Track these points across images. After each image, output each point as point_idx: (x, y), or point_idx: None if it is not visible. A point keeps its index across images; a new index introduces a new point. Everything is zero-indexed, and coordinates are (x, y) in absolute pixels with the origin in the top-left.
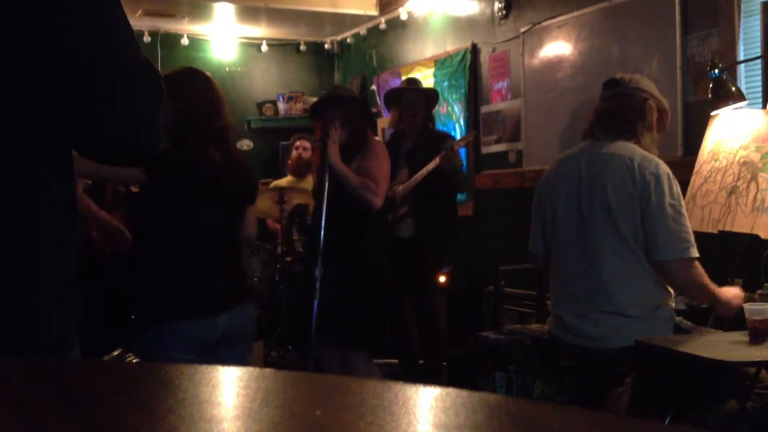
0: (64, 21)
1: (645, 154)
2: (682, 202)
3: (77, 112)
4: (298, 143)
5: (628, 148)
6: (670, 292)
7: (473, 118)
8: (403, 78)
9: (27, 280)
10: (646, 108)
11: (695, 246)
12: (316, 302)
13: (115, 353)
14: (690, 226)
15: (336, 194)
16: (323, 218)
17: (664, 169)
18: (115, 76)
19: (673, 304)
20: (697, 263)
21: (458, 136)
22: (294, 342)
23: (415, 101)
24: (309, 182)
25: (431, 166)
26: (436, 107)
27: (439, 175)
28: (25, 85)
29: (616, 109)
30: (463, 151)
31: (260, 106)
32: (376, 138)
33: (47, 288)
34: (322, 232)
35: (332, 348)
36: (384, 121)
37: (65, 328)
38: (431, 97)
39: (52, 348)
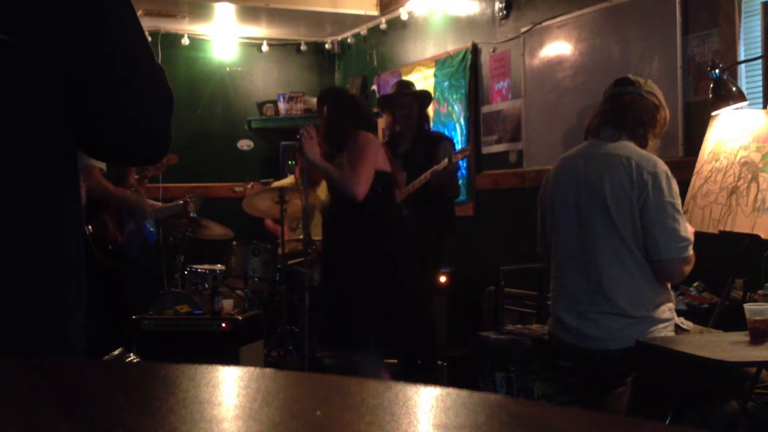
0: (77, 21)
1: (643, 153)
2: (679, 200)
3: (88, 113)
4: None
5: (627, 147)
6: (670, 292)
7: (474, 119)
8: (401, 78)
9: (34, 287)
10: (658, 114)
11: (692, 243)
12: (306, 306)
13: (115, 353)
14: (687, 224)
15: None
16: (309, 220)
17: (662, 167)
18: (127, 78)
19: (673, 304)
20: (691, 258)
21: (458, 137)
22: (295, 343)
23: (407, 104)
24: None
25: (423, 179)
26: (435, 106)
27: (432, 187)
28: (34, 86)
29: (629, 108)
30: None
31: (261, 106)
32: (367, 133)
33: (54, 294)
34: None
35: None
36: (384, 122)
37: (72, 331)
38: (423, 98)
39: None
